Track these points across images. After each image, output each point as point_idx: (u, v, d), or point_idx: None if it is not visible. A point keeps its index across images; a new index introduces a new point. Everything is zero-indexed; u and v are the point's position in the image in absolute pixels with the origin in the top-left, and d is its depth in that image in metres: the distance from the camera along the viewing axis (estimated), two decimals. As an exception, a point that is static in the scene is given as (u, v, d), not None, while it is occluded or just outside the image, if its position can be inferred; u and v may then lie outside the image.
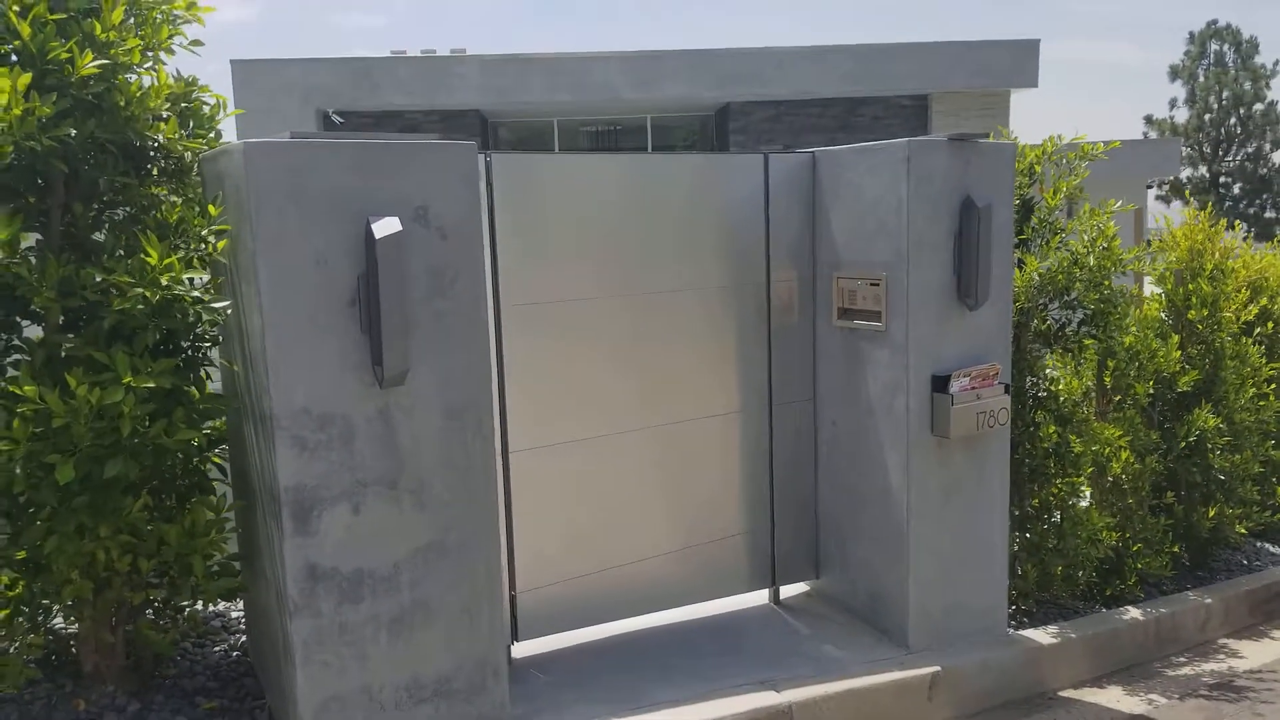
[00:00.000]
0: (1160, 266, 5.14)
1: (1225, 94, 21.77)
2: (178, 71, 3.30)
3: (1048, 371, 4.84)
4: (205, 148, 3.30)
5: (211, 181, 3.23)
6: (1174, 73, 23.33)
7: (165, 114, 3.13)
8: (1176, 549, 5.24)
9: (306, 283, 2.86)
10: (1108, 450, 4.85)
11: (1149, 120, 24.07)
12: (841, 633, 4.28)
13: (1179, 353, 5.14)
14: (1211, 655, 4.85)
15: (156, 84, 3.05)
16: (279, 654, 3.14)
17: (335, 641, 3.01)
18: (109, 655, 3.18)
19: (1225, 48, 19.41)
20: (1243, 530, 5.48)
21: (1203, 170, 22.62)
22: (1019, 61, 11.15)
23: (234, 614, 3.96)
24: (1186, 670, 4.64)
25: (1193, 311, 5.38)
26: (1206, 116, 22.28)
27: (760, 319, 4.29)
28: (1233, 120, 21.76)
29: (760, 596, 4.56)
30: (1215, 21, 20.28)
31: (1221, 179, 22.38)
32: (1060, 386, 4.85)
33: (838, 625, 4.34)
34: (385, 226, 2.87)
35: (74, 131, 2.89)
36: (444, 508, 3.15)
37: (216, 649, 3.69)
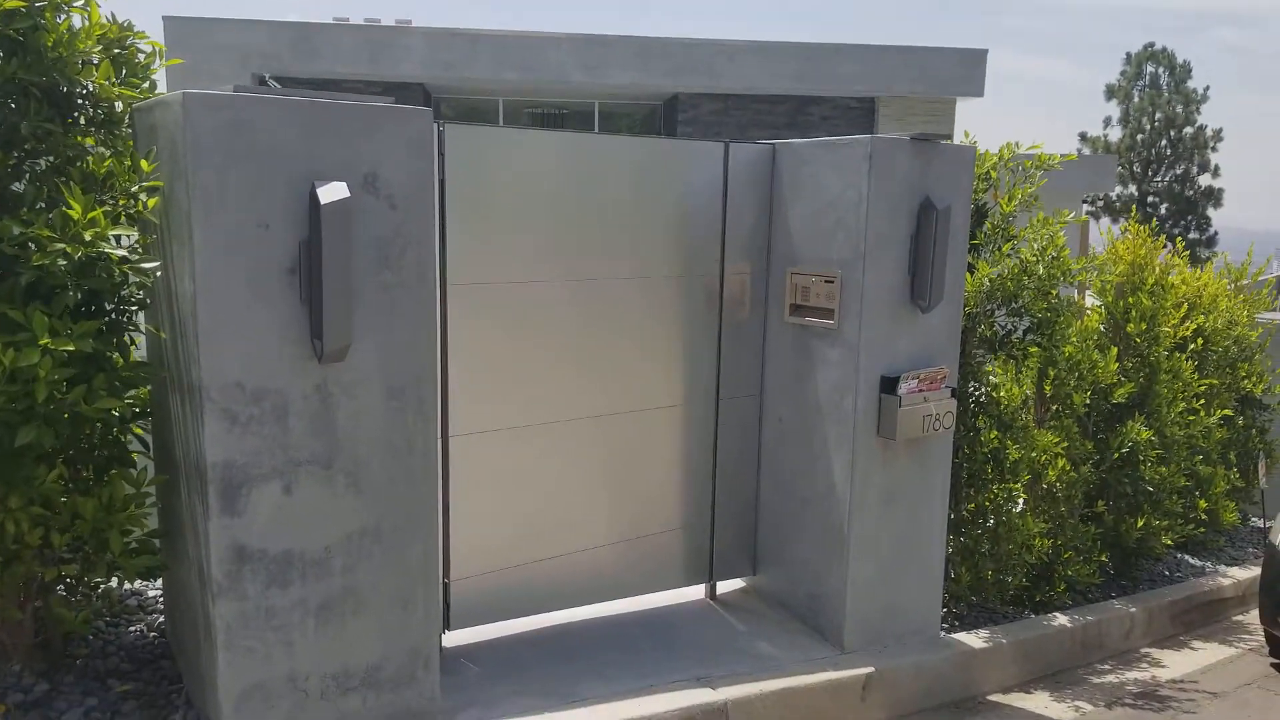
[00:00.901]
0: (1109, 278, 5.22)
1: (1158, 115, 22.47)
2: (112, 15, 3.09)
3: (990, 378, 4.88)
4: (139, 97, 3.10)
5: (144, 134, 3.04)
6: (1110, 92, 24.00)
7: (96, 58, 2.92)
8: (1104, 558, 5.35)
9: (244, 247, 2.70)
10: (1044, 458, 4.91)
11: (1083, 137, 24.75)
12: (778, 631, 4.25)
13: (1116, 365, 5.23)
14: (1135, 664, 4.95)
15: (88, 24, 2.85)
16: (199, 637, 2.98)
17: (261, 626, 2.86)
18: (16, 632, 2.98)
19: (1160, 70, 20.02)
20: (1169, 542, 5.61)
21: (1132, 189, 23.37)
22: (966, 70, 11.29)
23: (151, 593, 3.76)
24: (1111, 678, 4.73)
25: (1131, 325, 5.49)
26: (1139, 137, 23.00)
27: (712, 311, 4.22)
28: (1163, 142, 22.48)
29: (697, 592, 4.51)
30: (1152, 44, 20.94)
31: (1150, 198, 23.15)
32: (1001, 393, 4.89)
33: (774, 623, 4.31)
34: (331, 192, 2.72)
35: (-5, 71, 2.68)
36: (381, 491, 3.02)
37: (132, 629, 3.49)
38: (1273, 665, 4.99)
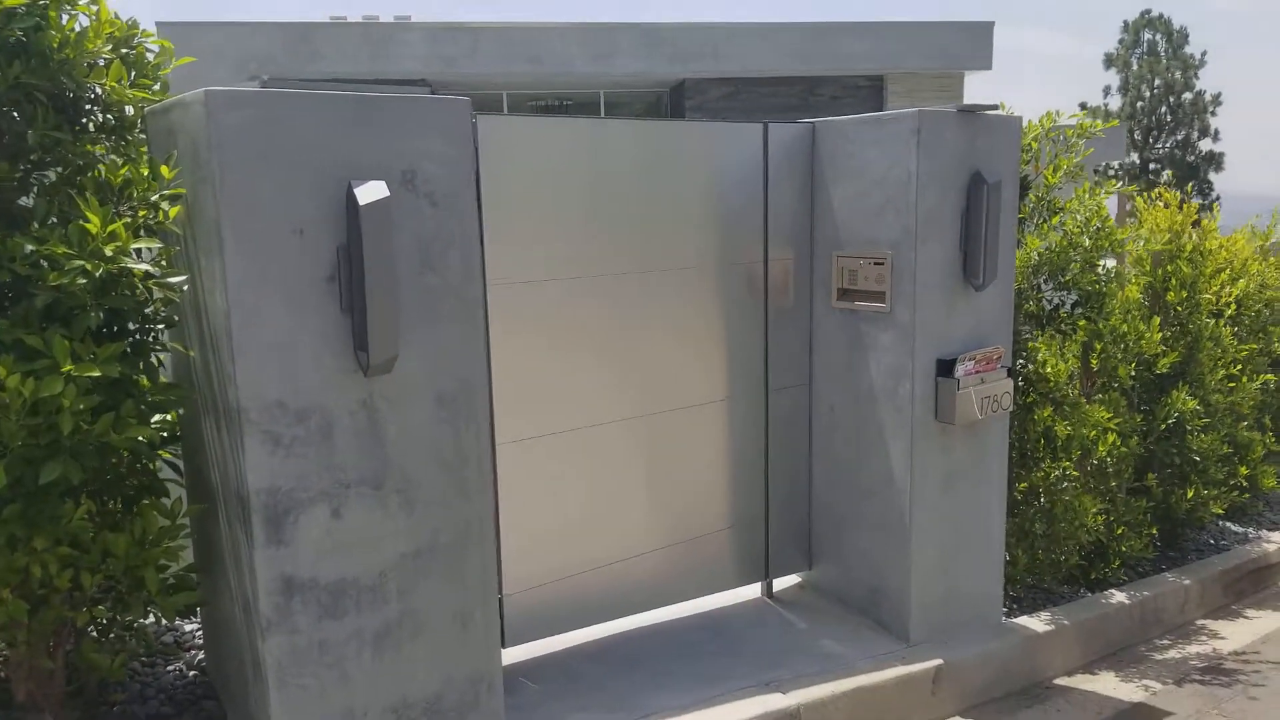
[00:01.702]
0: (1154, 247, 5.04)
1: (1157, 82, 22.25)
2: (116, 13, 2.87)
3: (1037, 355, 4.71)
4: (152, 100, 2.88)
5: (159, 139, 2.82)
6: (1109, 60, 23.76)
7: (105, 59, 2.70)
8: (1154, 531, 5.20)
9: (279, 255, 2.49)
10: (1093, 433, 4.75)
11: (1084, 107, 24.64)
12: (839, 626, 4.08)
13: (1160, 334, 5.07)
14: (1194, 637, 4.81)
15: (96, 22, 2.62)
16: (247, 675, 2.78)
17: (314, 661, 2.67)
18: (46, 682, 2.77)
19: (1157, 37, 19.83)
20: (1219, 511, 5.47)
21: (1134, 157, 23.19)
22: (974, 43, 11.10)
23: (188, 627, 3.56)
24: (1173, 653, 4.59)
25: (1171, 294, 5.32)
26: (1139, 104, 22.81)
27: (757, 300, 4.03)
28: (1163, 108, 22.28)
29: (753, 591, 4.33)
30: (1149, 11, 20.71)
31: (1151, 165, 23.00)
32: (1048, 369, 4.72)
33: (835, 619, 4.14)
34: (370, 191, 2.51)
35: (-5, 76, 2.46)
36: (434, 507, 2.82)
37: (170, 669, 3.29)
38: (1334, 633, 4.86)
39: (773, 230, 4.00)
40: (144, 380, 2.69)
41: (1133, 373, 4.96)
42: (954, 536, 4.04)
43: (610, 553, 3.76)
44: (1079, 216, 4.51)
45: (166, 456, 2.97)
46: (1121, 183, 4.47)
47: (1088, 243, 4.49)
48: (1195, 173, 22.82)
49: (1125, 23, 20.99)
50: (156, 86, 2.93)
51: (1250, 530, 6.08)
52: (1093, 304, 4.54)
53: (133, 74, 2.87)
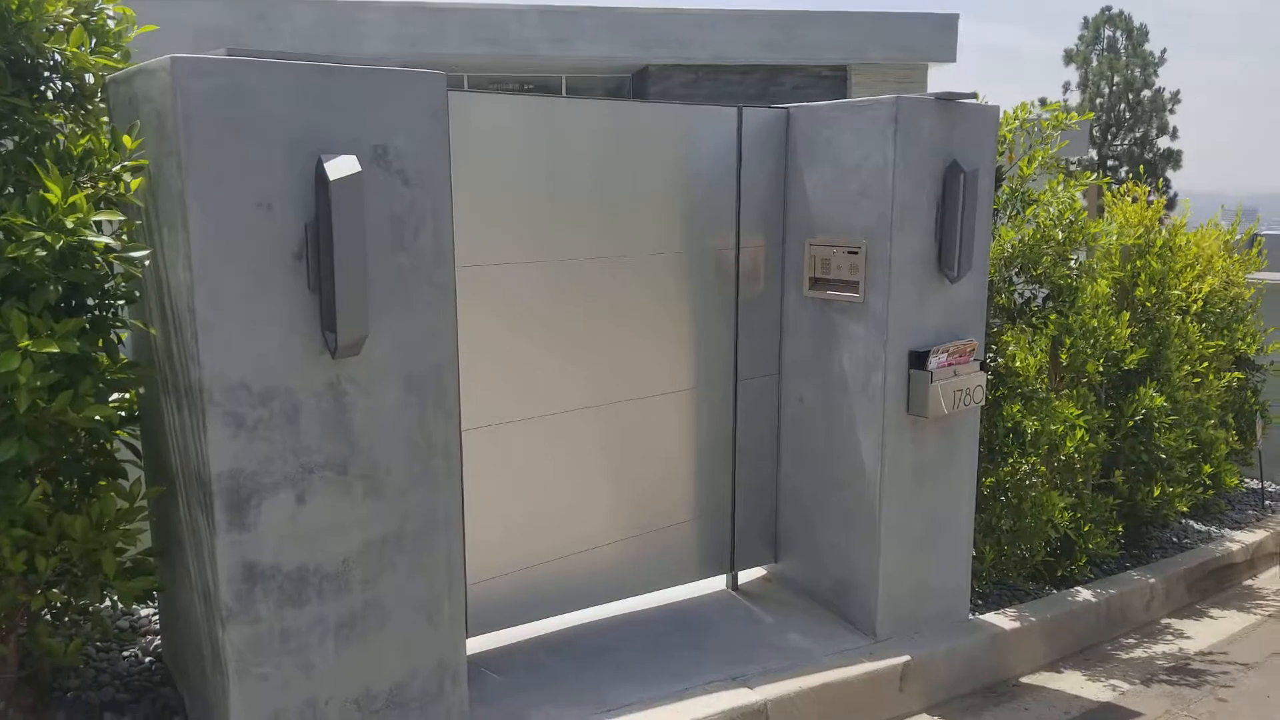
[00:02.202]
0: (1127, 241, 5.08)
1: (1116, 79, 22.54)
2: (77, -24, 2.76)
3: (1008, 348, 4.73)
4: (114, 67, 2.78)
5: (121, 108, 2.73)
6: (1068, 56, 24.04)
7: (66, 24, 2.60)
8: (1120, 528, 5.25)
9: (246, 230, 2.41)
10: (1061, 429, 4.78)
11: (1043, 103, 24.88)
12: (806, 620, 4.07)
13: (1129, 330, 5.12)
14: (1159, 636, 4.86)
15: (55, -14, 2.52)
16: (205, 663, 2.71)
17: (275, 651, 2.60)
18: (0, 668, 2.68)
19: (1118, 34, 20.06)
20: (1184, 509, 5.54)
21: (1092, 153, 23.50)
22: (937, 35, 11.14)
23: (144, 612, 3.46)
24: (1139, 653, 4.63)
25: (1140, 289, 5.37)
26: (1098, 100, 23.09)
27: (728, 288, 4.00)
28: (1122, 105, 22.57)
29: (718, 583, 4.31)
30: (1109, 8, 20.93)
31: (1110, 161, 23.31)
32: (1018, 363, 4.75)
33: (802, 612, 4.13)
34: (341, 166, 2.44)
35: (-53, 38, 2.36)
36: (401, 494, 2.76)
37: (126, 654, 3.20)
38: (1296, 631, 4.94)
39: (745, 217, 3.97)
40: (103, 358, 2.60)
41: (1101, 368, 5.00)
42: (923, 531, 4.05)
43: (574, 542, 3.72)
44: (1052, 209, 4.53)
45: (124, 436, 2.88)
46: (1095, 175, 4.49)
47: (1060, 236, 4.51)
48: (1153, 170, 23.16)
49: (1086, 19, 21.28)
50: (118, 55, 2.84)
51: (1213, 529, 6.16)
52: (1065, 298, 4.56)
53: (94, 41, 2.77)
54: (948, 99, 3.78)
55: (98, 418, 2.47)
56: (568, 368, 3.59)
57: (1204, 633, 4.91)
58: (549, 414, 3.56)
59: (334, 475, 2.64)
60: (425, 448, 2.79)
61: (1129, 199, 5.49)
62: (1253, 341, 6.55)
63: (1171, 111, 22.47)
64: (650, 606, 4.08)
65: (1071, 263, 4.51)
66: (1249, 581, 5.82)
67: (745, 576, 4.39)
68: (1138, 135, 22.75)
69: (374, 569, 2.74)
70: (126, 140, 2.46)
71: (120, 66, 2.80)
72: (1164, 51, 21.09)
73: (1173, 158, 23.29)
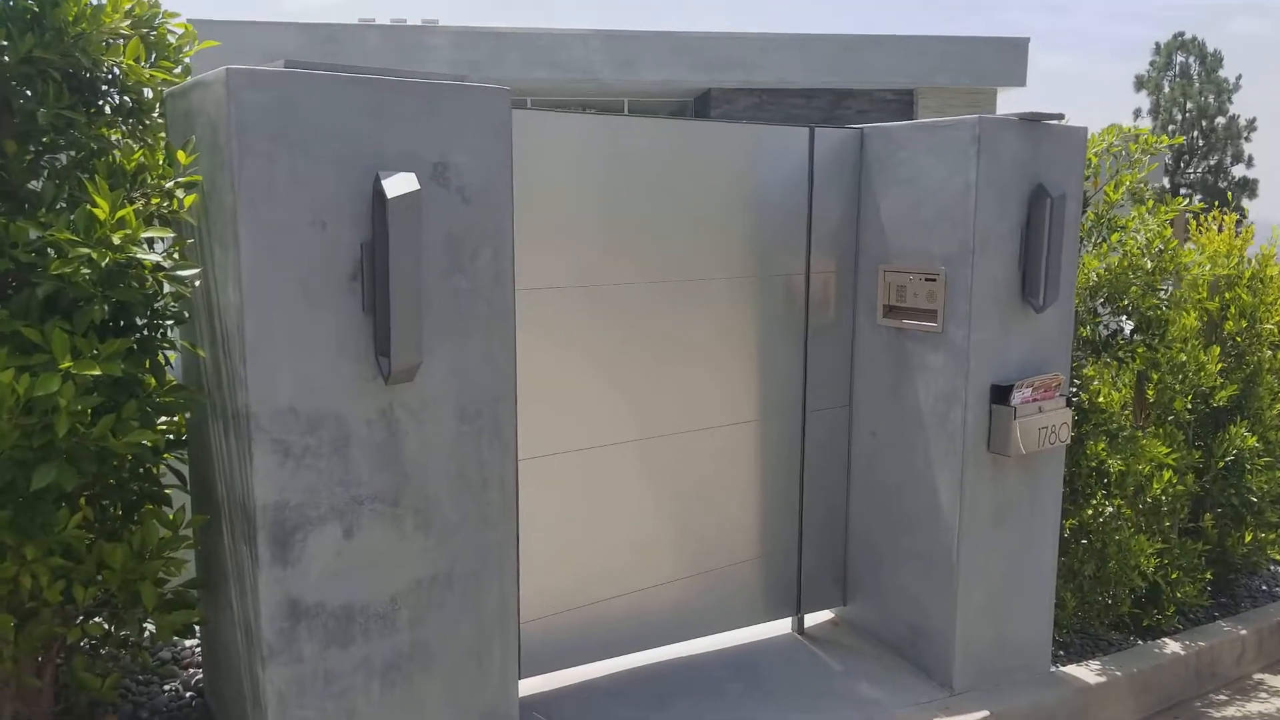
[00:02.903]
0: (1222, 270, 4.78)
1: (1189, 106, 21.89)
2: (136, -10, 2.69)
3: (1091, 383, 4.46)
4: (172, 81, 2.71)
5: (178, 123, 2.65)
6: (1139, 83, 23.46)
7: (124, 36, 2.53)
8: (1209, 575, 4.91)
9: (299, 249, 2.30)
10: (1147, 469, 4.48)
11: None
12: (877, 669, 3.83)
13: (1219, 365, 4.81)
14: (1252, 694, 4.51)
15: (113, -3, 2.45)
16: (246, 702, 2.57)
17: (318, 693, 2.45)
18: (34, 701, 2.57)
19: (1190, 60, 19.49)
20: (1277, 556, 5.17)
21: (1165, 181, 22.84)
22: (1007, 61, 10.87)
23: (187, 643, 3.36)
24: (1232, 711, 4.29)
25: (1230, 323, 5.05)
26: (1169, 128, 22.42)
27: (797, 315, 3.81)
28: (1196, 132, 21.88)
29: (783, 625, 4.09)
30: (1182, 34, 20.41)
31: (1183, 190, 22.59)
32: (1101, 399, 4.47)
33: (871, 660, 3.89)
34: (399, 184, 2.32)
35: (5, 50, 2.29)
36: (453, 530, 2.61)
37: (166, 688, 3.09)
38: (1402, 692, 4.55)
39: (816, 241, 3.79)
40: (150, 380, 2.50)
41: (1189, 405, 4.70)
42: (1003, 576, 3.79)
43: (631, 581, 3.54)
44: (1140, 237, 4.27)
45: (170, 460, 2.78)
46: (1188, 201, 4.23)
47: (1149, 265, 4.25)
48: (1226, 199, 22.50)
49: (1158, 45, 20.68)
50: (178, 70, 2.76)
51: (1305, 575, 5.77)
52: (1154, 330, 4.29)
53: (153, 55, 2.70)
54: (1033, 119, 3.56)
55: (143, 442, 2.37)
56: (625, 397, 3.42)
57: (1302, 692, 4.56)
58: (606, 445, 3.40)
59: (384, 508, 2.50)
60: (480, 481, 2.64)
61: (1214, 228, 5.19)
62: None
63: (1247, 139, 21.76)
64: (712, 650, 3.87)
65: (1161, 293, 4.23)
66: (1348, 636, 5.42)
67: (811, 620, 4.16)
68: (1212, 163, 22.02)
69: (422, 609, 2.59)
70: (180, 155, 2.37)
71: (179, 81, 2.72)
72: (1239, 78, 20.45)
73: (1248, 186, 22.48)
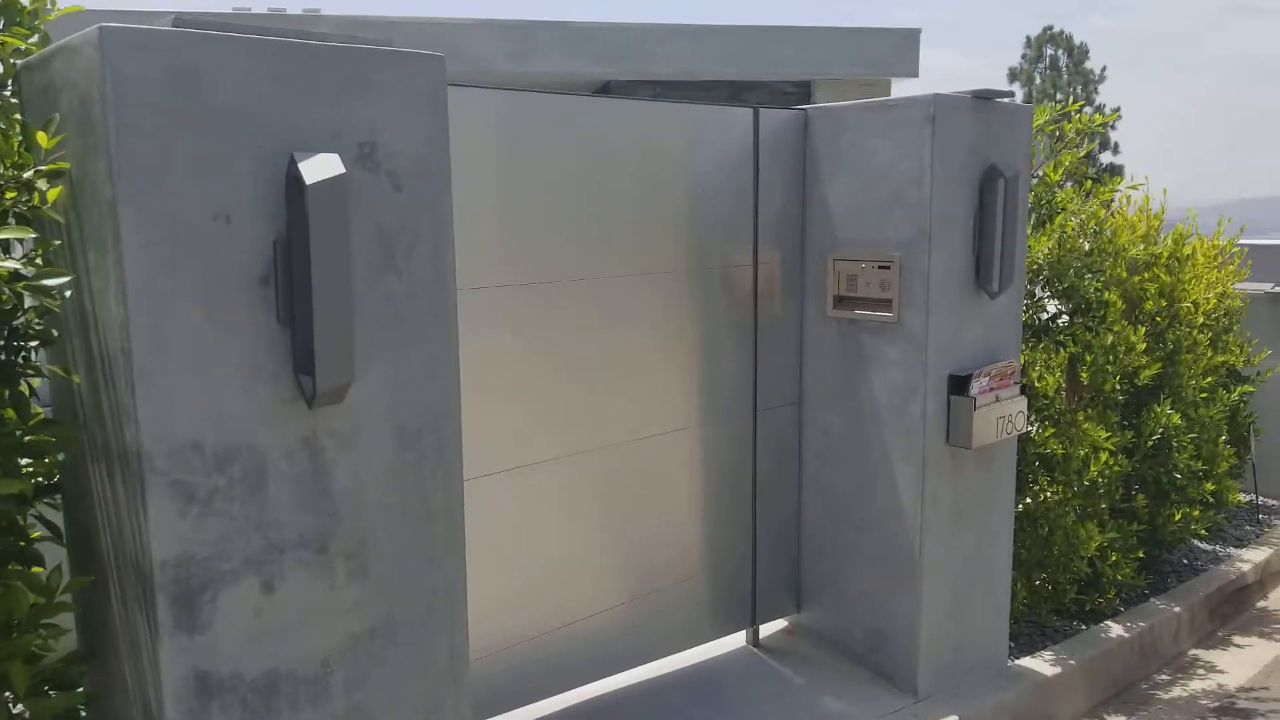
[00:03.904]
0: (1155, 250, 4.78)
1: (1059, 97, 22.88)
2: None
3: (1033, 369, 4.38)
4: (29, 50, 2.23)
5: (36, 100, 2.17)
6: (1012, 75, 24.39)
7: (-45, -8, 2.05)
8: (1141, 554, 4.94)
9: (197, 249, 1.89)
10: (1084, 452, 4.44)
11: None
12: (838, 679, 3.63)
13: (1144, 345, 4.82)
14: (1191, 671, 4.53)
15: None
16: (148, 797, 2.14)
17: (241, 780, 2.05)
18: None
19: (1059, 52, 20.32)
20: (1203, 532, 5.25)
21: (1037, 170, 23.81)
22: (901, 51, 10.91)
23: None
24: (1178, 691, 4.29)
25: (1149, 302, 5.08)
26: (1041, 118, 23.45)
27: (746, 309, 3.56)
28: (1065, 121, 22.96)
29: (737, 639, 3.84)
30: (1050, 27, 21.27)
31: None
32: (1039, 384, 4.40)
33: (831, 670, 3.69)
34: (320, 167, 1.93)
35: None
36: (394, 573, 2.24)
37: (41, 781, 2.59)
38: (1328, 660, 4.66)
39: (762, 230, 3.54)
40: (10, 414, 2.04)
41: (1117, 386, 4.69)
42: (963, 573, 3.64)
43: (576, 608, 3.22)
44: (1076, 219, 4.20)
45: (40, 510, 2.30)
46: (1125, 181, 4.18)
47: (1086, 246, 4.18)
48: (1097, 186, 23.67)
49: (1028, 38, 21.49)
50: (34, 39, 2.28)
51: (1218, 548, 5.90)
52: (1094, 313, 4.23)
53: (1, 21, 2.21)
54: (985, 97, 3.41)
55: (6, 492, 1.91)
56: (562, 407, 3.09)
57: (1236, 665, 4.60)
58: (543, 460, 3.06)
59: (311, 555, 2.11)
60: (423, 514, 2.28)
61: (1126, 208, 5.22)
62: (1240, 353, 6.36)
63: (1114, 127, 22.88)
64: (668, 672, 3.60)
65: (1100, 276, 4.18)
66: (1262, 604, 5.56)
67: (766, 630, 3.93)
68: (1081, 150, 23.15)
69: (361, 668, 2.21)
70: (41, 138, 1.92)
71: (36, 52, 2.25)
72: (1104, 69, 21.45)
73: (1116, 172, 23.69)
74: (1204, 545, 5.88)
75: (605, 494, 3.24)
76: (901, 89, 11.31)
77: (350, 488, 2.15)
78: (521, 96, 2.89)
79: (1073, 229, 4.15)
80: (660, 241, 3.27)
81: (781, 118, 3.54)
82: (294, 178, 1.93)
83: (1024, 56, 22.83)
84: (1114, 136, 23.69)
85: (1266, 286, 7.11)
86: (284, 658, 2.09)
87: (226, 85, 1.87)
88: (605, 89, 10.59)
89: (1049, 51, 20.21)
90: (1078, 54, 20.03)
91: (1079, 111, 4.13)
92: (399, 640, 2.26)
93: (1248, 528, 6.43)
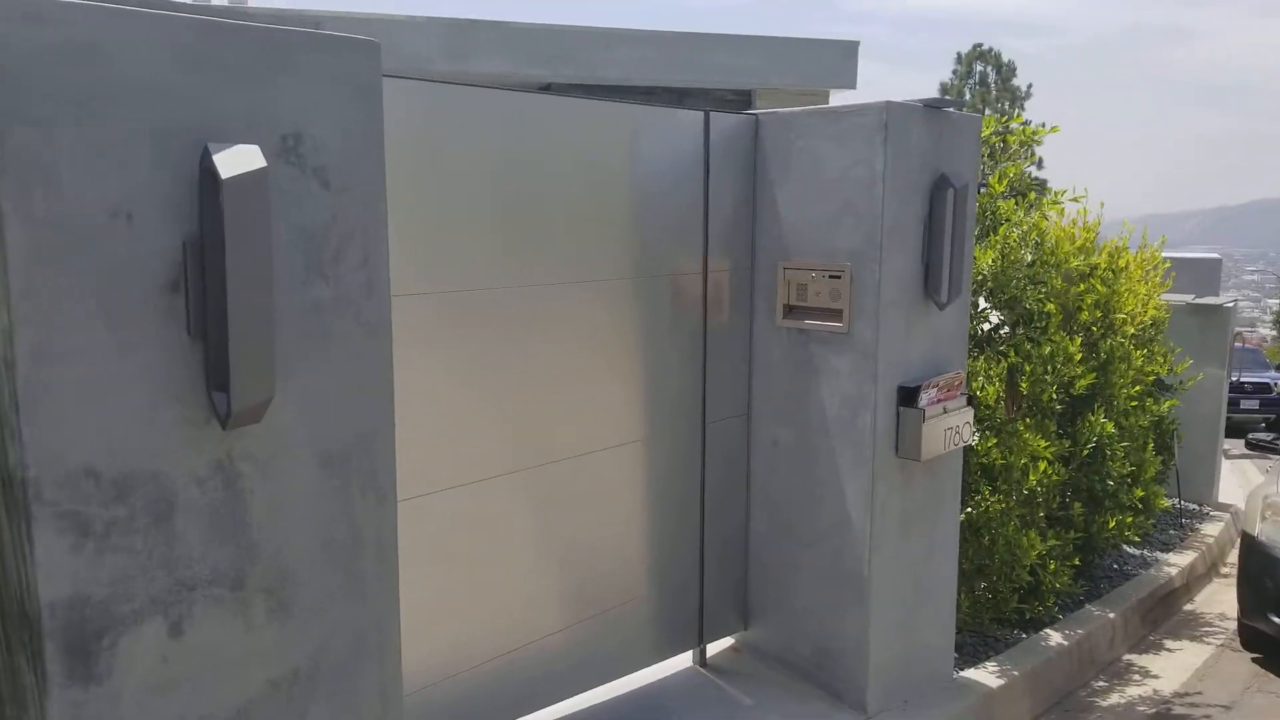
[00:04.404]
0: (1095, 261, 4.79)
1: (988, 112, 23.39)
2: None
3: (977, 379, 4.36)
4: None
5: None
6: (944, 90, 24.86)
7: None
8: (1077, 561, 4.96)
9: (94, 252, 1.66)
10: (1023, 460, 4.44)
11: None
12: (787, 698, 3.52)
13: (1080, 355, 4.84)
14: (1127, 677, 4.57)
15: None
16: None
17: None
18: None
19: (989, 69, 20.77)
20: (1136, 538, 5.31)
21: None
22: (840, 62, 10.94)
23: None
24: (1116, 698, 4.31)
25: (1085, 313, 5.12)
26: (970, 135, 23.86)
27: (695, 318, 3.43)
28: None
29: (684, 659, 3.70)
30: (980, 44, 21.73)
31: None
32: (980, 394, 4.38)
33: (780, 688, 3.58)
34: (238, 160, 1.73)
35: None
36: (319, 611, 2.03)
37: None
38: (1254, 661, 4.74)
39: (712, 237, 3.41)
40: None
41: (1054, 395, 4.70)
42: (913, 586, 3.57)
43: (517, 635, 3.03)
44: (1018, 230, 4.18)
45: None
46: (1068, 193, 4.17)
47: (1029, 258, 4.16)
48: (1024, 200, 24.21)
49: (959, 54, 21.88)
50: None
51: (1145, 552, 6.01)
52: (1037, 323, 4.21)
53: None
54: (936, 106, 3.34)
55: None
56: (500, 422, 2.89)
57: (1169, 669, 4.66)
58: (479, 480, 2.86)
59: (225, 593, 1.90)
60: (352, 544, 2.07)
61: (1060, 220, 5.25)
62: (1164, 362, 6.49)
63: (1040, 143, 23.35)
64: (614, 696, 3.43)
65: (1042, 287, 4.16)
66: (1189, 606, 5.68)
67: (713, 648, 3.79)
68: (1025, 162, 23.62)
69: (282, 717, 2.00)
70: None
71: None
72: (1030, 86, 21.95)
73: (1041, 187, 24.27)
74: (1133, 550, 5.98)
75: (546, 514, 3.06)
76: (838, 100, 11.37)
77: (269, 518, 1.94)
78: (454, 90, 2.69)
79: (1015, 240, 4.13)
80: (607, 248, 3.11)
81: (733, 122, 3.41)
82: (208, 171, 1.72)
83: (954, 72, 23.35)
84: (1039, 151, 24.33)
85: (1188, 298, 7.30)
86: (194, 708, 1.87)
87: (130, 65, 1.65)
88: (546, 91, 10.39)
89: (978, 68, 20.66)
90: (1005, 71, 20.52)
91: (1023, 124, 4.11)
92: (322, 686, 2.05)
93: (1171, 532, 6.58)
